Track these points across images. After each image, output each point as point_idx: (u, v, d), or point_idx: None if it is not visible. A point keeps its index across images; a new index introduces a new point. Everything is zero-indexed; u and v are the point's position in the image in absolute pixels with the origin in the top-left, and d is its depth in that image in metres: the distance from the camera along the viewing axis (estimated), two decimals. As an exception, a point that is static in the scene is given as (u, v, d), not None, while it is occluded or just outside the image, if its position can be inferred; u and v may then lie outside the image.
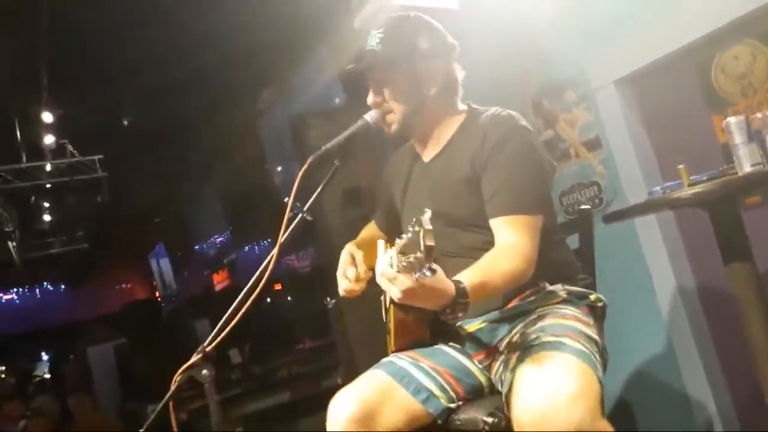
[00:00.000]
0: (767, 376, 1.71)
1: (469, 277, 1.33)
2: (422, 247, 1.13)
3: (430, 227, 1.13)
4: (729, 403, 2.48)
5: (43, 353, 13.38)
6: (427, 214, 1.15)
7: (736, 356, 2.42)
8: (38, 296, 13.00)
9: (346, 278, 1.63)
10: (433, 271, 1.16)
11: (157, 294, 12.66)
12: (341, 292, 1.67)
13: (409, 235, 1.16)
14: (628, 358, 2.69)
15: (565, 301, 1.56)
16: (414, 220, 1.15)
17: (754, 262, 1.71)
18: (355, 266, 1.63)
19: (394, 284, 1.22)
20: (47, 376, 12.23)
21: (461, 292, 1.27)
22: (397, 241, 1.21)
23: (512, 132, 1.55)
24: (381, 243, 1.42)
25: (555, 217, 1.68)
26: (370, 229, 1.96)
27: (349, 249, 1.71)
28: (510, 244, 1.46)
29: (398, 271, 1.19)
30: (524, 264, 1.44)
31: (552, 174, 1.65)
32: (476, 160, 1.55)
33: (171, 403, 1.46)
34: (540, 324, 1.48)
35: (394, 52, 1.58)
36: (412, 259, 1.15)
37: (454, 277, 1.30)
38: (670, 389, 2.57)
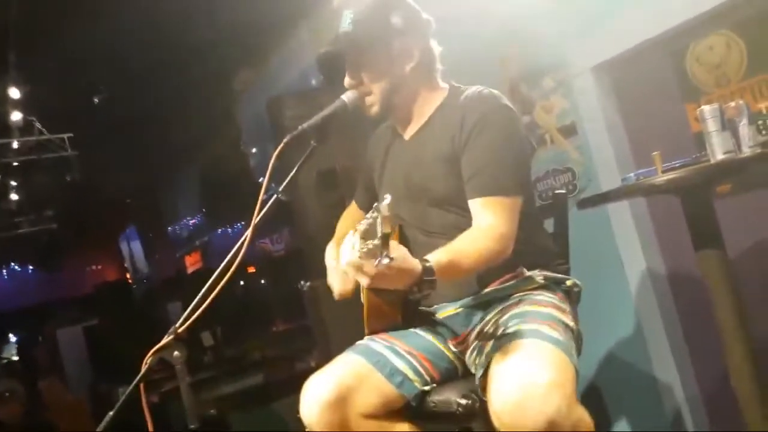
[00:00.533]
0: (734, 361, 1.75)
1: (437, 255, 1.32)
2: (379, 234, 1.13)
3: (387, 214, 1.12)
4: (695, 387, 2.53)
5: (11, 335, 13.17)
6: (387, 199, 1.15)
7: (703, 340, 2.47)
8: (5, 277, 12.75)
9: (338, 283, 1.64)
10: (390, 259, 1.15)
11: (128, 276, 12.52)
12: (335, 296, 1.66)
13: (369, 220, 1.17)
14: (599, 342, 2.73)
15: (542, 287, 1.57)
16: (375, 205, 1.15)
17: (725, 249, 1.74)
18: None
19: (361, 272, 1.22)
20: (15, 358, 12.04)
21: (427, 270, 1.27)
22: (358, 226, 1.20)
23: (494, 111, 1.54)
24: (351, 233, 1.41)
25: (534, 202, 1.68)
26: (349, 217, 1.93)
27: (332, 253, 1.71)
28: (486, 225, 1.45)
29: (359, 257, 1.18)
30: (499, 244, 1.43)
31: (532, 155, 1.64)
32: (456, 138, 1.54)
33: (142, 385, 1.44)
34: (516, 310, 1.49)
35: (367, 31, 1.56)
36: (371, 246, 1.14)
37: (424, 257, 1.30)
38: (638, 372, 2.61)
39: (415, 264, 1.26)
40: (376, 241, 1.13)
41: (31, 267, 12.73)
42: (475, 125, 1.51)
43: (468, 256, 1.38)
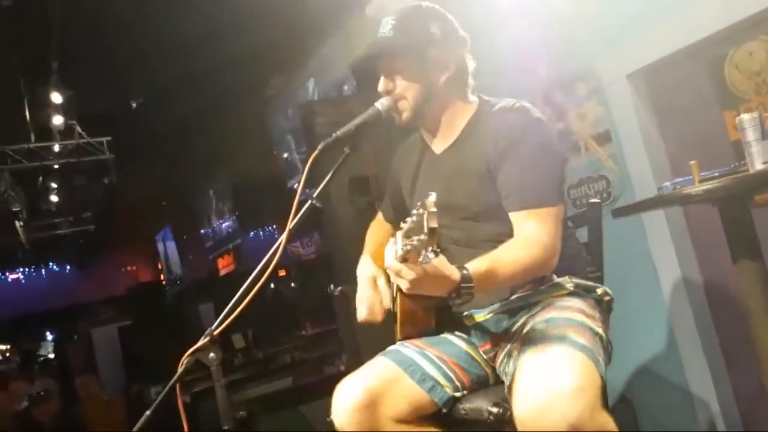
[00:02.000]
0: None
1: (476, 264, 1.34)
2: (425, 229, 1.14)
3: (434, 210, 1.14)
4: (732, 402, 2.47)
5: (48, 333, 13.47)
6: (432, 196, 1.17)
7: (740, 354, 2.41)
8: (44, 277, 13.05)
9: (368, 307, 1.63)
10: (436, 253, 1.18)
11: (162, 277, 12.71)
12: (359, 318, 1.65)
13: (414, 218, 1.18)
14: (632, 354, 2.69)
15: (571, 294, 1.56)
16: (419, 202, 1.16)
17: (764, 261, 1.71)
18: (377, 294, 1.62)
19: (400, 276, 1.24)
20: (51, 356, 12.32)
21: (465, 278, 1.29)
22: (403, 224, 1.22)
23: (527, 126, 1.55)
24: (392, 240, 1.42)
25: (565, 210, 1.67)
26: (376, 229, 1.94)
27: (370, 272, 1.69)
28: (528, 234, 1.46)
29: (403, 255, 1.20)
30: (543, 253, 1.44)
31: (566, 164, 1.64)
32: (491, 155, 1.54)
33: (177, 386, 1.47)
34: (545, 316, 1.49)
35: (406, 38, 1.58)
36: (415, 242, 1.16)
37: (463, 265, 1.31)
38: (672, 386, 2.57)
39: (453, 270, 1.28)
40: (422, 237, 1.14)
41: (68, 267, 13.01)
42: (510, 141, 1.52)
43: (507, 266, 1.39)
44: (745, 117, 1.59)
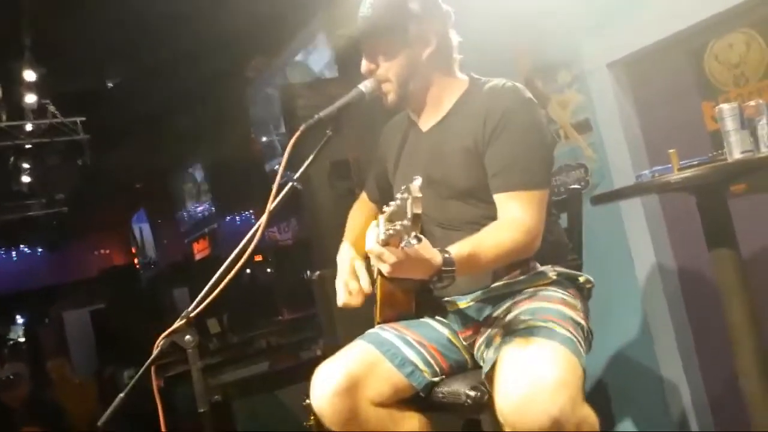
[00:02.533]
0: (743, 362, 1.74)
1: (458, 247, 1.33)
2: (409, 215, 1.13)
3: (419, 195, 1.13)
4: (702, 387, 2.52)
5: (18, 317, 13.25)
6: (417, 181, 1.16)
7: (711, 340, 2.46)
8: (14, 259, 12.82)
9: (347, 291, 1.61)
10: (419, 239, 1.16)
11: (136, 261, 12.57)
12: (339, 303, 1.63)
13: (398, 201, 1.16)
14: (606, 339, 2.72)
15: (554, 283, 1.56)
16: (404, 187, 1.15)
17: (739, 249, 1.73)
18: (357, 279, 1.60)
19: (381, 259, 1.23)
20: (21, 339, 12.14)
21: (447, 261, 1.28)
22: (386, 208, 1.21)
23: (518, 105, 1.53)
24: (373, 223, 1.41)
25: (551, 197, 1.67)
26: (360, 210, 1.92)
27: (350, 257, 1.67)
28: (512, 218, 1.45)
29: (385, 239, 1.19)
30: (525, 237, 1.43)
31: (554, 147, 1.63)
32: (479, 133, 1.53)
33: (153, 368, 1.45)
34: (527, 306, 1.48)
35: (386, 16, 1.56)
36: (398, 227, 1.14)
37: (445, 248, 1.30)
38: (645, 371, 2.61)
39: (435, 254, 1.27)
40: (405, 222, 1.13)
41: (40, 249, 12.80)
42: (500, 120, 1.51)
43: (489, 249, 1.38)
44: (725, 107, 1.60)
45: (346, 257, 1.69)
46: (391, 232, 1.16)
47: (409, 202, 1.13)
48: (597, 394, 2.76)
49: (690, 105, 2.39)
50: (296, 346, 5.81)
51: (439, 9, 1.62)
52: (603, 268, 2.57)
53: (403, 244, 1.15)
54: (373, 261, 1.26)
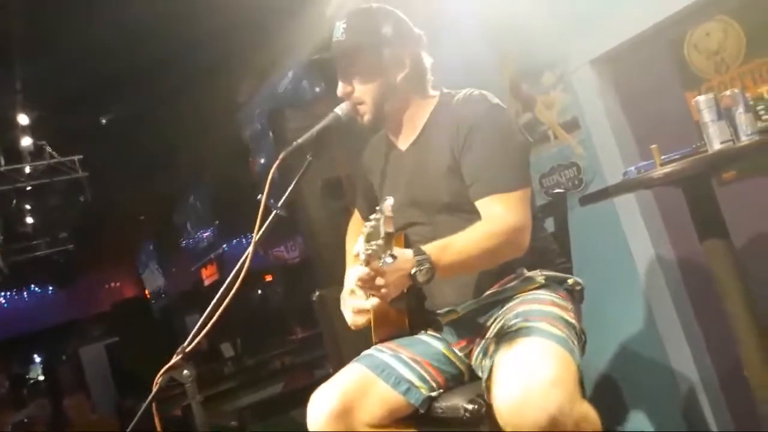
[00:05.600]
0: (746, 349, 1.73)
1: (433, 242, 1.38)
2: (382, 234, 1.17)
3: (390, 214, 1.18)
4: (712, 373, 2.51)
5: (35, 356, 13.32)
6: (389, 200, 1.20)
7: (717, 326, 2.44)
8: (26, 299, 12.91)
9: (350, 311, 1.63)
10: (394, 257, 1.20)
11: (146, 291, 12.62)
12: (349, 323, 1.66)
13: (372, 223, 1.21)
14: (612, 335, 2.72)
15: (543, 286, 1.57)
16: (377, 207, 1.20)
17: (729, 237, 1.73)
18: (358, 299, 1.62)
19: (373, 293, 1.30)
20: (41, 378, 12.20)
21: (418, 251, 1.33)
22: (363, 229, 1.25)
23: (485, 111, 1.55)
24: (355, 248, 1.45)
25: (534, 201, 1.68)
26: (354, 229, 1.93)
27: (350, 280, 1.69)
28: (491, 214, 1.47)
29: (365, 260, 1.23)
30: (505, 231, 1.44)
31: (529, 150, 1.64)
32: (454, 144, 1.55)
33: (154, 405, 1.46)
34: (518, 310, 1.49)
35: (359, 40, 1.59)
36: (374, 247, 1.19)
37: None
38: (654, 362, 2.60)
39: (408, 252, 1.32)
40: (380, 241, 1.18)
41: (50, 288, 12.88)
42: (470, 128, 1.53)
43: (464, 241, 1.41)
44: (701, 99, 1.61)
45: (346, 281, 1.72)
46: (369, 252, 1.20)
47: (381, 222, 1.16)
48: (607, 389, 2.75)
49: (674, 96, 2.39)
50: (310, 364, 5.80)
51: (412, 33, 1.65)
52: (603, 266, 2.58)
53: (380, 264, 1.19)
54: (366, 297, 1.30)
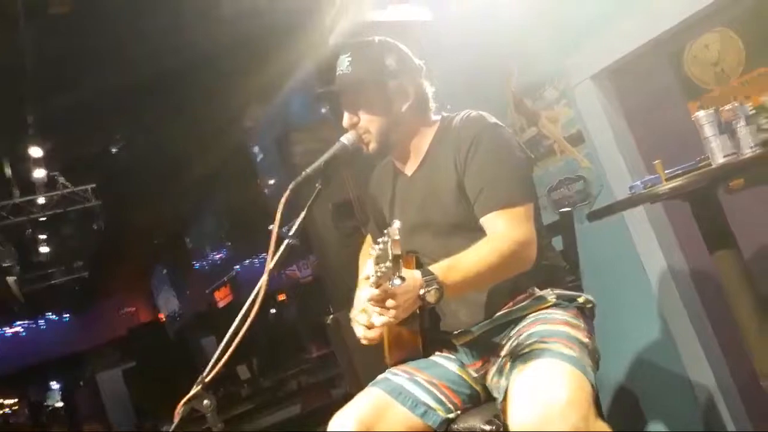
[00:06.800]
0: (760, 358, 1.74)
1: (439, 262, 1.41)
2: (390, 257, 1.20)
3: (397, 237, 1.21)
4: (731, 382, 2.50)
5: (54, 383, 13.40)
6: (396, 224, 1.24)
7: (734, 337, 2.43)
8: (43, 327, 13.02)
9: (360, 326, 1.65)
10: (402, 279, 1.24)
11: (161, 315, 12.68)
12: (359, 338, 1.68)
13: (380, 245, 1.23)
14: (628, 348, 2.71)
15: (554, 305, 1.59)
16: (385, 231, 1.23)
17: (738, 248, 1.74)
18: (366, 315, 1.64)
19: (384, 314, 1.32)
20: (59, 404, 12.26)
21: (425, 271, 1.36)
22: (371, 252, 1.27)
23: (483, 130, 1.59)
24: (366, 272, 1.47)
25: (541, 220, 1.70)
26: (367, 253, 1.96)
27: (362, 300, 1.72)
28: (495, 231, 1.50)
29: (376, 281, 1.26)
30: (511, 247, 1.46)
31: (531, 166, 1.67)
32: (457, 166, 1.59)
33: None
34: (531, 330, 1.51)
35: (363, 72, 1.63)
36: (383, 269, 1.22)
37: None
38: (671, 373, 2.59)
39: (416, 273, 1.35)
40: (388, 264, 1.21)
41: (66, 315, 12.98)
42: (470, 147, 1.58)
43: (471, 259, 1.44)
44: (701, 114, 1.63)
45: (357, 300, 1.75)
46: (379, 274, 1.23)
47: (389, 245, 1.18)
48: (626, 402, 2.74)
49: (677, 107, 2.41)
50: (327, 383, 5.80)
51: (414, 63, 1.69)
52: (615, 279, 2.59)
53: (389, 285, 1.23)
54: (376, 318, 1.34)
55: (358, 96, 1.64)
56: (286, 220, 1.56)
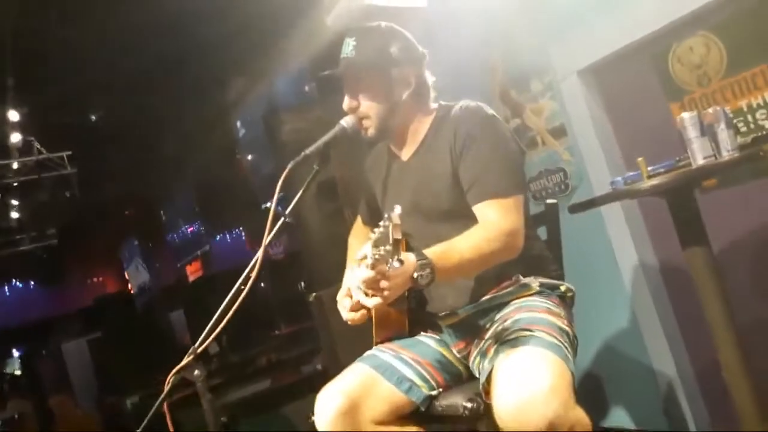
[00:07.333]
0: (725, 352, 1.83)
1: (433, 247, 1.45)
2: (390, 240, 1.25)
3: (398, 222, 1.25)
4: (692, 373, 2.61)
5: (15, 351, 13.19)
6: (397, 209, 1.27)
7: (697, 330, 2.56)
8: (8, 294, 12.80)
9: (344, 308, 1.68)
10: (401, 262, 1.28)
11: (130, 287, 12.57)
12: (344, 318, 1.71)
13: (381, 229, 1.28)
14: (597, 335, 2.82)
15: (538, 293, 1.65)
16: (386, 215, 1.26)
17: (710, 245, 1.83)
18: (350, 297, 1.67)
19: (376, 293, 1.35)
20: (18, 373, 12.08)
21: (420, 254, 1.40)
22: (371, 235, 1.31)
23: (481, 121, 1.63)
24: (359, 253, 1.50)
25: (528, 211, 1.75)
26: (357, 234, 2.01)
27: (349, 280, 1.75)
28: (486, 220, 1.55)
29: (372, 263, 1.29)
30: (500, 236, 1.52)
31: (523, 159, 1.73)
32: (453, 152, 1.63)
33: (166, 404, 1.52)
34: (515, 317, 1.57)
35: (368, 58, 1.65)
36: (383, 252, 1.26)
37: None
38: (636, 363, 2.70)
39: (411, 256, 1.39)
40: (388, 247, 1.25)
41: (32, 282, 12.77)
42: (465, 138, 1.62)
43: (463, 246, 1.48)
44: (686, 116, 1.70)
45: (345, 281, 1.78)
46: (377, 256, 1.27)
47: (390, 228, 1.23)
48: (592, 387, 2.86)
49: (658, 106, 2.49)
50: (297, 360, 5.81)
51: (417, 52, 1.72)
52: (590, 268, 2.68)
53: (387, 267, 1.27)
54: (368, 291, 1.36)
55: (360, 81, 1.67)
56: (266, 197, 1.60)
